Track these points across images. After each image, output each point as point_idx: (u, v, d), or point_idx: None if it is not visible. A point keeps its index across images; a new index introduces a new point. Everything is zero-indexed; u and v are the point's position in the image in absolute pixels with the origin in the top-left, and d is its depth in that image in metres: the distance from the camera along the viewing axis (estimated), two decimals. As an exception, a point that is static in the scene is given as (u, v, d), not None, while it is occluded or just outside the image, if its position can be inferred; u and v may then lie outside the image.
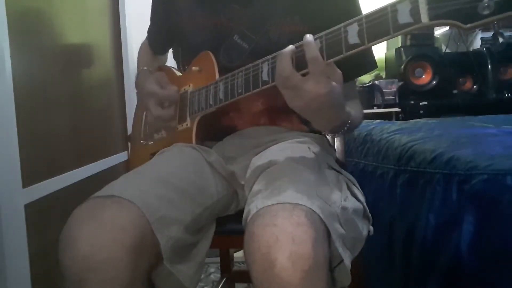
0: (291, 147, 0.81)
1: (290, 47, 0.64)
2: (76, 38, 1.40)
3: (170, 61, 1.22)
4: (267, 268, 0.53)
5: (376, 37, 0.58)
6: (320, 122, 0.70)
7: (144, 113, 1.12)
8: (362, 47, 0.59)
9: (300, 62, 0.63)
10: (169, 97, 0.91)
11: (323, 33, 0.63)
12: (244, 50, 0.86)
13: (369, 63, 0.90)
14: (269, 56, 0.71)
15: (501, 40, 2.65)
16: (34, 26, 1.16)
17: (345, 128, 0.75)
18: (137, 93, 1.13)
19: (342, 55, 0.61)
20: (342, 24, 0.61)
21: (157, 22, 1.07)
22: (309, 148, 0.81)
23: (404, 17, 0.55)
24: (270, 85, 0.71)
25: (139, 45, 1.17)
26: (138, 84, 1.03)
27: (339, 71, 0.63)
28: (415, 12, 0.54)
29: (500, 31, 2.65)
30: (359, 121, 0.83)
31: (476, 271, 0.81)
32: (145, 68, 1.03)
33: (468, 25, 0.51)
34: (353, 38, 0.59)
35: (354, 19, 0.60)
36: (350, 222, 0.66)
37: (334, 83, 0.62)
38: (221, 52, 0.88)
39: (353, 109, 0.78)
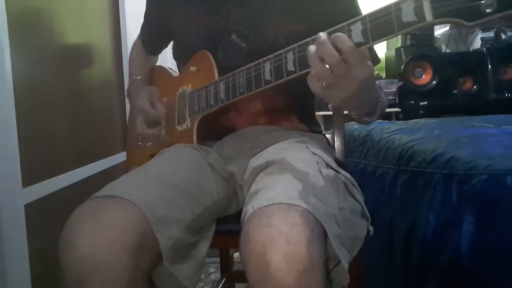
0: (289, 147, 0.80)
1: (324, 35, 0.60)
2: (76, 38, 1.40)
3: (171, 62, 1.22)
4: (262, 269, 0.53)
5: (381, 36, 0.58)
6: (361, 107, 0.73)
7: None
8: (366, 46, 0.59)
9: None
10: (157, 117, 0.94)
11: (326, 31, 0.63)
12: (242, 49, 0.86)
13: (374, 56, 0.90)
14: (271, 56, 0.71)
15: (504, 37, 2.63)
16: (34, 26, 1.16)
17: (378, 107, 0.78)
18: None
19: None
20: (345, 23, 0.61)
21: (151, 21, 1.07)
22: (307, 147, 0.80)
23: (408, 15, 0.55)
24: (273, 84, 0.71)
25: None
26: (130, 94, 1.04)
27: (366, 50, 0.61)
28: (419, 11, 0.54)
29: (502, 27, 2.63)
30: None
31: (476, 271, 0.80)
32: (138, 77, 1.05)
33: (471, 22, 0.52)
34: (357, 37, 0.59)
35: (357, 17, 0.59)
36: (348, 222, 0.66)
37: (369, 62, 0.61)
38: (219, 52, 0.88)
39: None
